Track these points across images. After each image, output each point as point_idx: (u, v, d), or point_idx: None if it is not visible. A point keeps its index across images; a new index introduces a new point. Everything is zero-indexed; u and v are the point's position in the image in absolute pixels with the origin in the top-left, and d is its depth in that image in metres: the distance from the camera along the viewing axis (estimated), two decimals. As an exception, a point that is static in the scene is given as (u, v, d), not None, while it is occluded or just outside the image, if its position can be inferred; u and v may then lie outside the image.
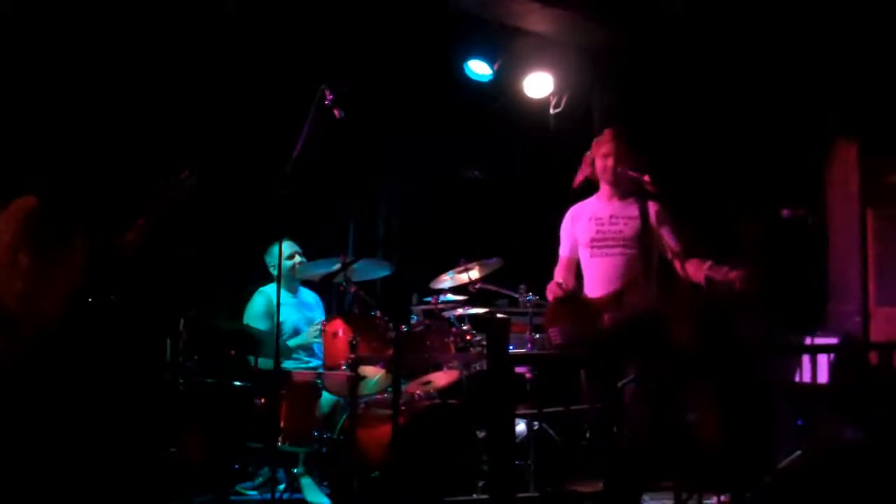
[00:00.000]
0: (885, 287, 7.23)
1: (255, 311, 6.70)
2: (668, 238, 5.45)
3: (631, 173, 5.50)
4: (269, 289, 6.77)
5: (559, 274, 5.71)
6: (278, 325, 5.48)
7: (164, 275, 6.19)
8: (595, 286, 5.56)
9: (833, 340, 6.89)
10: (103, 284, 5.67)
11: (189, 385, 5.71)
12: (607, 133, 5.66)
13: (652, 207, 5.45)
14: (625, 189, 5.55)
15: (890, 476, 4.62)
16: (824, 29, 6.92)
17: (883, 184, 7.40)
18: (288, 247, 6.88)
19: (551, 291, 5.54)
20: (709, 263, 5.30)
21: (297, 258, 6.88)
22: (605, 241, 5.56)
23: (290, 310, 6.82)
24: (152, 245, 5.51)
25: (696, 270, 5.34)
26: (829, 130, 7.47)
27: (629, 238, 5.48)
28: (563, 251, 5.75)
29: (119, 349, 5.69)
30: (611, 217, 5.56)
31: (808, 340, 6.77)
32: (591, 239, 5.58)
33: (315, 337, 6.52)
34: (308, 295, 7.09)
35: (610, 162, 5.56)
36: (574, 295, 5.54)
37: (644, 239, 5.42)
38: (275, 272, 6.80)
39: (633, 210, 5.47)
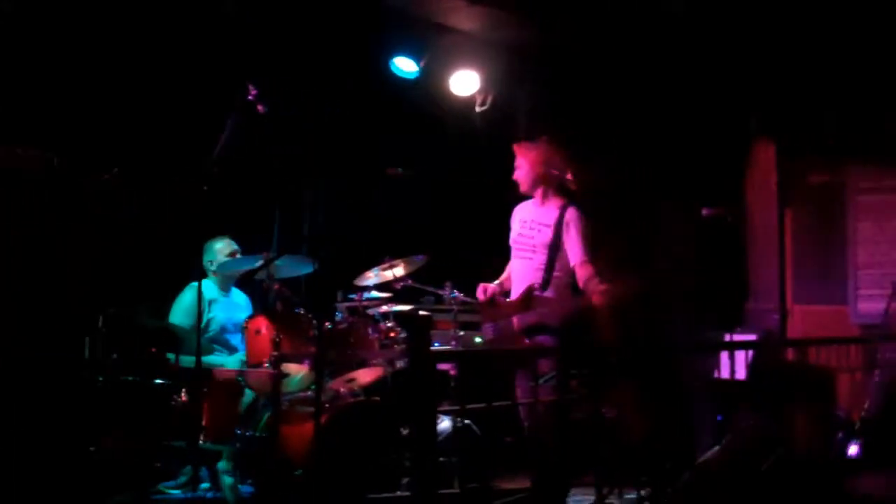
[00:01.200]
0: (802, 285, 7.38)
1: (184, 306, 6.59)
2: (569, 245, 5.58)
3: (553, 171, 5.72)
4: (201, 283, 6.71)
5: (508, 266, 5.91)
6: (199, 322, 5.41)
7: (84, 271, 6.09)
8: (512, 285, 5.81)
9: (752, 337, 7.02)
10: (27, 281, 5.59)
11: (108, 382, 5.61)
12: (514, 147, 5.81)
13: (567, 214, 5.61)
14: (550, 195, 5.73)
15: (804, 472, 4.72)
16: (742, 31, 7.04)
17: (801, 184, 7.55)
18: (228, 245, 6.80)
19: (478, 294, 5.87)
20: (596, 279, 5.48)
21: (239, 257, 6.79)
22: (520, 243, 5.77)
23: (219, 308, 6.75)
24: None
25: (586, 282, 5.53)
26: (748, 132, 7.60)
27: (539, 244, 5.66)
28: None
29: (38, 346, 5.60)
30: (532, 222, 5.74)
31: (727, 337, 6.88)
32: (512, 240, 5.84)
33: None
34: (239, 296, 7.01)
35: (515, 175, 5.77)
36: (493, 298, 5.79)
37: (554, 246, 5.59)
38: (210, 268, 6.71)
39: (552, 217, 5.65)
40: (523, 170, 5.75)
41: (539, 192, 5.76)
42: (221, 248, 6.78)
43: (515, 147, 5.85)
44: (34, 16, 6.29)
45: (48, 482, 5.30)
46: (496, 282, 5.95)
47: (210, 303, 6.69)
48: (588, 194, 5.75)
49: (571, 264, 5.59)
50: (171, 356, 5.94)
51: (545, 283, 5.59)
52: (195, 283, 6.62)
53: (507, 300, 5.75)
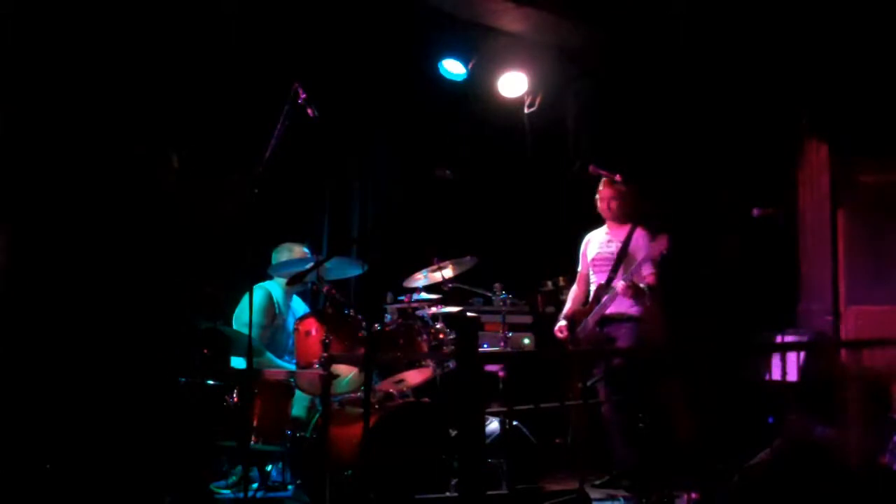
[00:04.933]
0: (855, 286, 7.28)
1: (256, 304, 6.50)
2: (639, 256, 6.40)
3: (602, 172, 6.61)
4: (269, 284, 6.75)
5: (576, 286, 6.89)
6: (251, 323, 5.43)
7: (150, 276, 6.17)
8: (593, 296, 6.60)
9: (803, 339, 6.95)
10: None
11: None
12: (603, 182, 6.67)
13: (637, 233, 6.47)
14: (625, 220, 6.62)
15: (854, 478, 4.67)
16: (794, 31, 6.98)
17: (853, 184, 7.46)
18: (300, 249, 6.81)
19: (556, 334, 6.71)
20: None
21: (287, 259, 6.77)
22: (600, 260, 6.62)
23: (287, 312, 6.78)
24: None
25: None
26: (800, 131, 7.53)
27: (615, 259, 6.46)
28: (580, 268, 6.86)
29: (97, 348, 5.69)
30: (607, 243, 6.66)
31: (778, 338, 6.82)
32: (592, 259, 6.70)
33: None
34: (299, 303, 7.04)
35: (613, 205, 6.64)
36: (571, 320, 6.67)
37: (623, 259, 6.42)
38: (277, 272, 6.72)
39: (624, 234, 6.51)
40: (605, 203, 6.65)
41: (617, 219, 6.65)
42: (282, 253, 6.77)
43: (604, 182, 6.65)
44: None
45: (103, 481, 5.38)
46: (562, 315, 6.78)
47: (279, 304, 6.72)
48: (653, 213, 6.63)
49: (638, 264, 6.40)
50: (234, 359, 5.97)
51: (608, 280, 6.43)
52: (263, 284, 6.68)
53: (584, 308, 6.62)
